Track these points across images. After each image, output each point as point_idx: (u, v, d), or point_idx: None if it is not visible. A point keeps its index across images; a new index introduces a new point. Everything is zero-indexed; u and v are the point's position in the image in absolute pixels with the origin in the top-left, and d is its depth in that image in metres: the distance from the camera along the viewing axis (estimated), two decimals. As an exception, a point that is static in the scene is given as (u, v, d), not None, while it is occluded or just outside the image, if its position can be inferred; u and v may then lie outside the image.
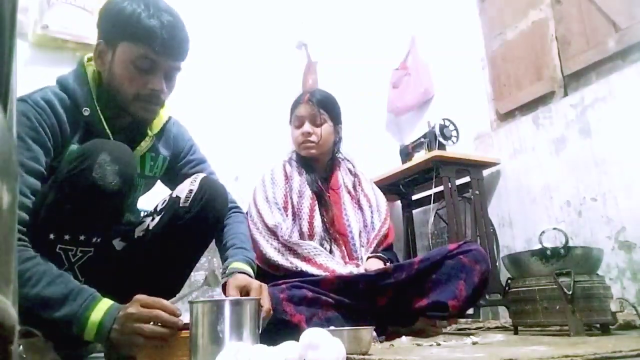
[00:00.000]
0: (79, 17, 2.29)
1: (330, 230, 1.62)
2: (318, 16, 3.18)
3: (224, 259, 1.25)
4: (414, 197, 2.88)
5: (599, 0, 2.14)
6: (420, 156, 2.52)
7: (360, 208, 1.72)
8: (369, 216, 1.71)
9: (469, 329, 1.81)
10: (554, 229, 1.43)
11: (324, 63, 3.12)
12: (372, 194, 1.78)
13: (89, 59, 1.18)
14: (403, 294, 1.43)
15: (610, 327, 1.32)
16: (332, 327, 0.98)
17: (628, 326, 1.40)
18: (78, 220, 1.01)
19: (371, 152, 3.11)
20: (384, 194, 2.85)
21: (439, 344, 1.17)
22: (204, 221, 1.21)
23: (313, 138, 1.67)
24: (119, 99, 1.14)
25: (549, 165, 2.30)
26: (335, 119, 1.74)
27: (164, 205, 1.23)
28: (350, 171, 1.81)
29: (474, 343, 1.18)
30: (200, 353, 0.83)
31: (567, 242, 1.35)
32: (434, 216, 2.47)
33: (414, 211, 2.89)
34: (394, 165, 2.73)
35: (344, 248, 1.63)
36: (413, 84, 3.16)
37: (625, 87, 1.99)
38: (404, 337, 1.33)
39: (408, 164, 2.54)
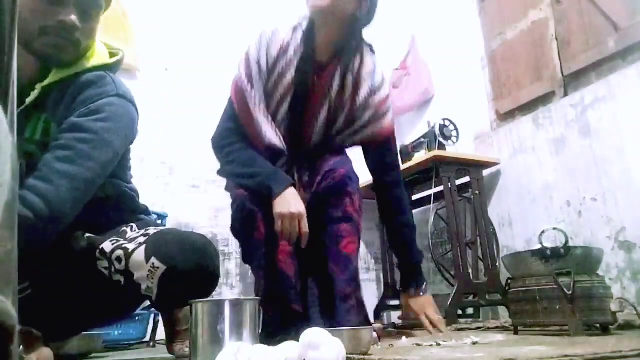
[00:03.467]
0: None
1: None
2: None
3: None
4: (414, 197, 2.87)
5: (599, 0, 2.14)
6: (420, 156, 2.52)
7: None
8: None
9: (469, 329, 1.81)
10: (554, 229, 1.43)
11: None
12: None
13: None
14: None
15: (610, 327, 1.32)
16: (332, 327, 0.98)
17: (628, 326, 1.40)
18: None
19: (371, 152, 3.11)
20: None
21: (439, 344, 1.17)
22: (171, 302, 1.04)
23: None
24: (20, 35, 1.00)
25: (549, 165, 2.30)
26: None
27: (122, 268, 0.99)
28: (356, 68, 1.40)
29: (474, 343, 1.18)
30: (201, 353, 0.83)
31: (567, 242, 1.35)
32: (434, 216, 2.47)
33: (414, 211, 2.87)
34: (394, 165, 2.73)
35: None
36: (413, 84, 3.16)
37: (625, 87, 1.99)
38: (404, 338, 1.33)
39: (408, 164, 2.54)
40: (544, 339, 1.22)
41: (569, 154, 2.21)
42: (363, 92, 1.40)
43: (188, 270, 0.95)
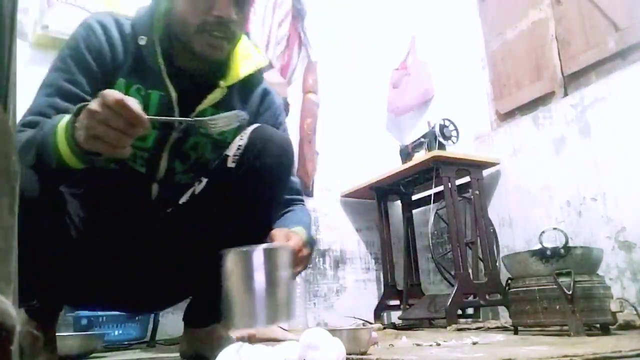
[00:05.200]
0: (79, 17, 2.28)
1: None
2: (318, 16, 3.18)
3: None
4: (414, 197, 2.87)
5: (599, 0, 2.14)
6: (420, 156, 2.52)
7: None
8: None
9: (469, 329, 1.81)
10: (554, 229, 1.43)
11: (324, 63, 3.12)
12: None
13: None
14: None
15: (610, 327, 1.32)
16: (331, 327, 0.98)
17: (628, 326, 1.40)
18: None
19: (371, 152, 3.11)
20: (384, 193, 2.89)
21: (438, 344, 1.17)
22: (255, 182, 0.96)
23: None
24: (181, 33, 0.96)
25: (549, 165, 2.30)
26: None
27: (212, 166, 1.04)
28: None
29: (474, 343, 1.18)
30: (237, 305, 0.77)
31: (567, 242, 1.35)
32: (434, 216, 2.47)
33: (414, 211, 2.89)
34: (394, 165, 2.73)
35: None
36: (413, 84, 3.16)
37: (625, 87, 1.99)
38: (404, 337, 1.33)
39: (408, 164, 2.54)
40: (544, 339, 1.22)
41: (569, 154, 2.21)
42: None
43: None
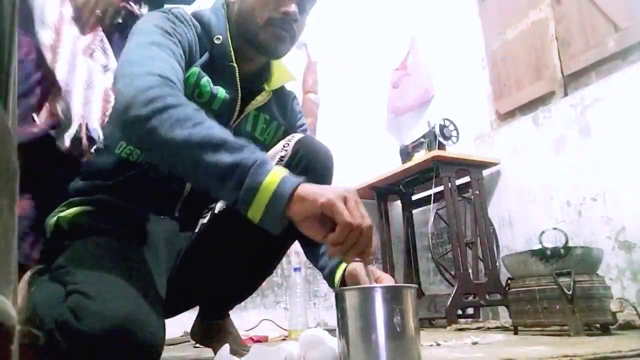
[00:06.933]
0: (79, 17, 2.29)
1: None
2: (318, 16, 3.18)
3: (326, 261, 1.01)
4: (414, 197, 2.88)
5: (599, 0, 2.14)
6: (420, 156, 2.52)
7: None
8: None
9: (469, 329, 1.81)
10: (554, 229, 1.43)
11: (324, 63, 3.12)
12: None
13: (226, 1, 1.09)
14: None
15: (610, 327, 1.33)
16: (331, 327, 0.98)
17: (628, 326, 1.40)
18: None
19: (371, 152, 3.11)
20: (384, 193, 2.89)
21: (438, 344, 1.17)
22: None
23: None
24: (249, 27, 1.02)
25: (549, 165, 2.30)
26: None
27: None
28: None
29: (474, 343, 1.18)
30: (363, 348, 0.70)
31: (567, 242, 1.35)
32: (434, 216, 2.47)
33: (414, 211, 2.89)
34: (394, 165, 2.73)
35: None
36: (413, 84, 3.16)
37: (625, 87, 1.99)
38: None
39: (408, 164, 2.54)
40: (544, 339, 1.22)
41: (568, 153, 2.21)
42: None
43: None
